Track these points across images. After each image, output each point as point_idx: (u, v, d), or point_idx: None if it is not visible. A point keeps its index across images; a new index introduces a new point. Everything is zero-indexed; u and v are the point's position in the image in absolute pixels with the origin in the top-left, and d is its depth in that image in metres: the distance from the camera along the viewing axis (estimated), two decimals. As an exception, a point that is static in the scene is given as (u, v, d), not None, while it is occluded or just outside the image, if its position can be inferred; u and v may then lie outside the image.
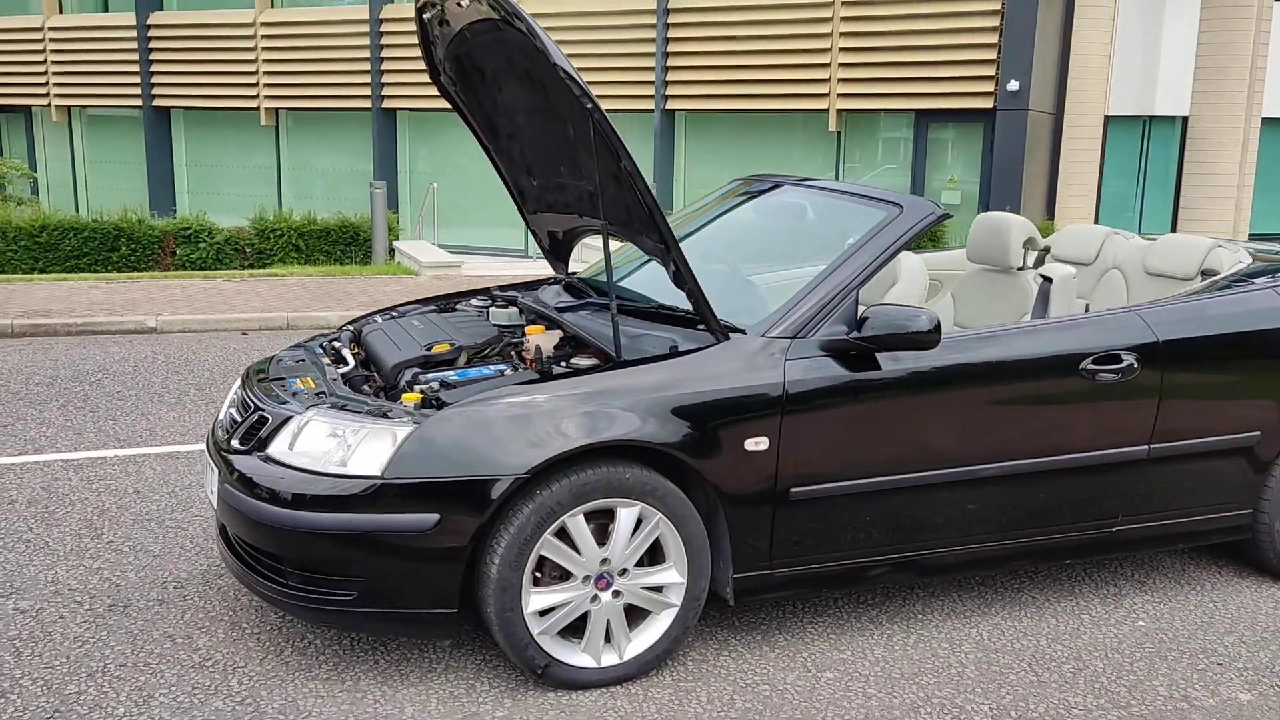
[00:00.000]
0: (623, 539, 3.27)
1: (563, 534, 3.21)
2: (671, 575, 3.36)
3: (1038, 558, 3.95)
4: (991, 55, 14.35)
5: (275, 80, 18.62)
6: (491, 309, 4.31)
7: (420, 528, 3.06)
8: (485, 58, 3.79)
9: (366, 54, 17.92)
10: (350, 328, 4.31)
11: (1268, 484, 4.18)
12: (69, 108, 20.98)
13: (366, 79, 17.98)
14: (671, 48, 16.19)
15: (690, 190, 17.00)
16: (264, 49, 18.61)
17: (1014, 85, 13.91)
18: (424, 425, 3.12)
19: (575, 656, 3.29)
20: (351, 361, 3.84)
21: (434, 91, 17.16)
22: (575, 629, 3.32)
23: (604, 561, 3.27)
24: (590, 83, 16.42)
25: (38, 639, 3.50)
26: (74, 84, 20.43)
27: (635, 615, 3.40)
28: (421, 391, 3.36)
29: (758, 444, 3.37)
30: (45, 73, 20.65)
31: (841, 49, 15.05)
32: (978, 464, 3.69)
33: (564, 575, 3.26)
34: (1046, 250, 4.98)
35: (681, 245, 4.34)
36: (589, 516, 3.24)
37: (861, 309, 3.52)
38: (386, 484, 3.06)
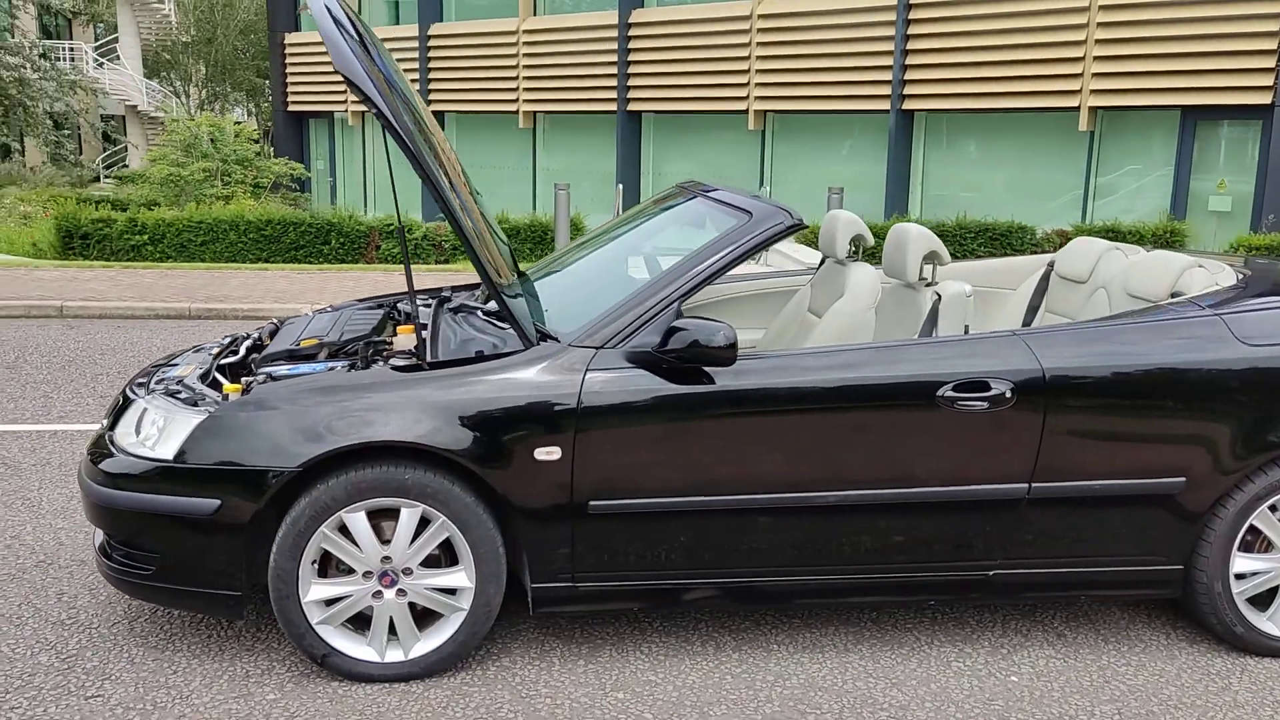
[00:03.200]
0: (403, 539, 3.43)
1: (345, 529, 3.41)
2: (461, 579, 3.49)
3: (896, 594, 3.71)
4: (1271, 45, 12.94)
5: (533, 84, 19.73)
6: (398, 306, 4.57)
7: (202, 511, 3.38)
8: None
9: (614, 58, 18.62)
10: (280, 319, 4.67)
11: (1205, 539, 3.70)
12: (362, 113, 23.17)
13: (613, 82, 18.70)
14: (911, 45, 15.71)
15: (928, 196, 16.42)
16: (524, 54, 19.76)
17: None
18: (214, 415, 3.43)
19: (359, 649, 3.50)
20: (241, 352, 4.20)
21: (676, 94, 17.62)
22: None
23: (385, 559, 3.44)
24: (820, 82, 16.28)
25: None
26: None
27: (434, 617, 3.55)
28: (246, 383, 3.67)
29: (549, 454, 3.42)
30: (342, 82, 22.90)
31: (1098, 40, 14.05)
32: (814, 491, 3.54)
33: (350, 569, 3.46)
34: (939, 263, 4.63)
35: (602, 246, 4.45)
36: (376, 515, 3.43)
37: (680, 322, 3.46)
38: (174, 468, 3.40)
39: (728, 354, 3.37)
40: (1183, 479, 3.63)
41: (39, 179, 21.46)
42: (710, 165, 18.53)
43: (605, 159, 19.44)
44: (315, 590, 3.43)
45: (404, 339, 4.02)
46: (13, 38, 25.34)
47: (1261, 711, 3.42)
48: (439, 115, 21.73)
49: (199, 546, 3.40)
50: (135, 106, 33.63)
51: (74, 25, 37.72)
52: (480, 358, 3.54)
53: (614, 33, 18.61)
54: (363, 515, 3.40)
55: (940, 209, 15.80)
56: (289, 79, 24.45)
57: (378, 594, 3.47)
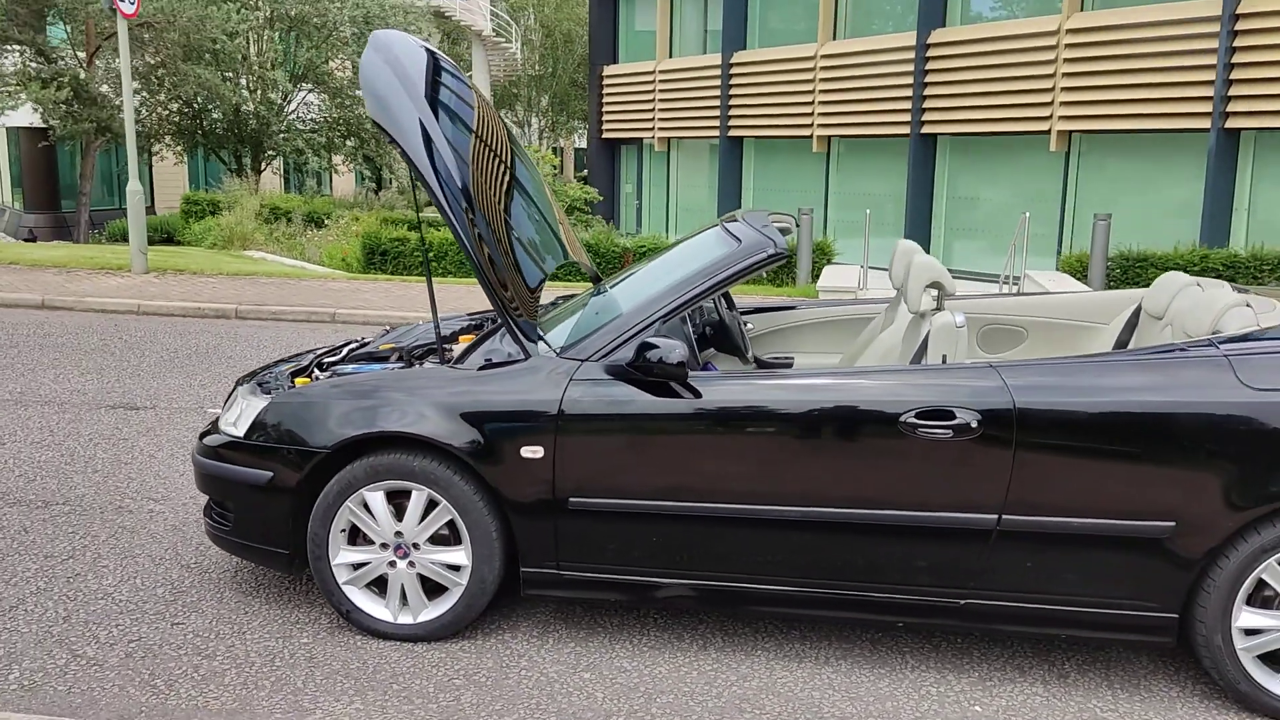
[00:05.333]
0: (412, 517, 4.04)
1: (367, 505, 4.07)
2: (459, 557, 4.05)
3: (861, 611, 3.86)
4: None
5: (828, 109, 20.05)
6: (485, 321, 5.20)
7: (260, 480, 4.15)
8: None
9: (910, 80, 18.59)
10: (392, 325, 5.42)
11: (1204, 589, 3.59)
12: (668, 139, 24.38)
13: (908, 105, 18.66)
14: (1238, 58, 14.62)
15: (1255, 222, 15.11)
16: (821, 79, 20.12)
17: None
18: (274, 402, 4.19)
19: (377, 609, 4.14)
20: (343, 353, 4.96)
21: (973, 115, 17.36)
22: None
23: (398, 534, 4.06)
24: (1132, 100, 15.44)
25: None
26: (671, 119, 23.76)
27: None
28: (311, 376, 4.42)
29: (534, 453, 3.92)
30: (653, 110, 24.27)
31: None
32: (780, 505, 3.79)
33: (370, 540, 4.11)
34: (947, 295, 4.58)
35: (643, 267, 4.87)
36: (396, 495, 4.06)
37: (651, 339, 3.85)
38: (244, 443, 4.19)
39: (680, 370, 3.75)
40: (1172, 523, 3.57)
41: (382, 203, 24.22)
42: (1008, 188, 18.03)
43: (898, 182, 19.39)
44: (343, 555, 4.11)
45: (460, 347, 4.64)
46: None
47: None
48: (736, 140, 22.47)
49: (258, 509, 4.17)
50: (483, 136, 37.01)
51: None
52: (487, 365, 4.09)
53: (911, 54, 18.56)
54: (381, 495, 4.04)
55: (1272, 238, 14.52)
56: (604, 107, 26.12)
57: (392, 564, 4.10)
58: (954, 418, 3.65)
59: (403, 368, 4.41)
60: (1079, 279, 12.69)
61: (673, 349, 3.75)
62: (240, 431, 4.24)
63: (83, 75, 21.23)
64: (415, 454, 4.01)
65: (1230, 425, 3.50)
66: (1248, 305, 3.90)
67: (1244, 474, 3.50)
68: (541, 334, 4.21)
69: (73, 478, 5.85)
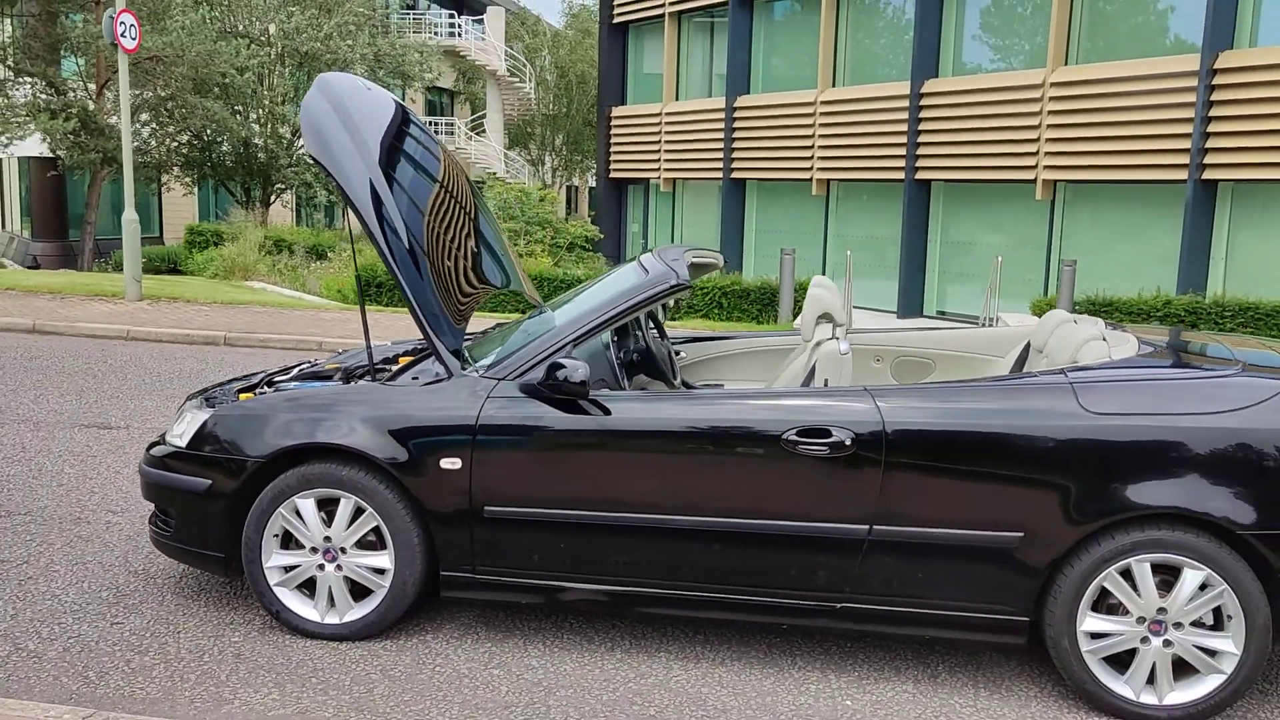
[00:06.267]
0: (340, 523, 4.38)
1: (299, 512, 4.41)
2: (383, 561, 4.38)
3: (750, 613, 4.17)
4: None
5: (826, 154, 20.51)
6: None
7: (199, 488, 4.49)
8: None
9: (905, 127, 19.05)
10: (344, 350, 5.79)
11: (1052, 595, 3.91)
12: (674, 179, 24.88)
13: (903, 151, 19.10)
14: (1215, 111, 15.03)
15: (1233, 271, 15.44)
16: (820, 124, 20.60)
17: None
18: (215, 414, 4.55)
19: (306, 610, 4.46)
20: (293, 371, 5.33)
21: (964, 163, 17.78)
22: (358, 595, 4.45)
23: (327, 539, 4.41)
24: (1112, 151, 15.84)
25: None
26: (676, 160, 24.27)
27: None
28: (258, 393, 4.78)
29: (452, 464, 4.26)
30: (659, 151, 24.79)
31: None
32: (676, 515, 4.13)
33: (301, 545, 4.45)
34: (839, 325, 4.93)
35: (573, 296, 5.23)
36: (324, 503, 4.41)
37: (560, 359, 4.20)
38: (186, 453, 4.55)
39: (582, 388, 4.10)
40: (1020, 534, 3.90)
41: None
42: (999, 234, 18.41)
43: (894, 226, 19.79)
44: (275, 558, 4.45)
45: (397, 368, 5.01)
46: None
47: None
48: (739, 182, 22.94)
49: (197, 515, 4.52)
50: (495, 173, 37.63)
51: (455, 103, 42.76)
52: (414, 382, 4.45)
53: (906, 102, 19.03)
54: (312, 502, 4.38)
55: (1249, 286, 14.85)
56: (612, 148, 26.66)
57: (321, 567, 4.44)
58: (830, 436, 3.99)
59: (341, 385, 4.77)
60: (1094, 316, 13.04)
61: (576, 369, 4.11)
62: (184, 442, 4.59)
63: (91, 106, 21.85)
64: (344, 464, 4.35)
65: (1071, 446, 3.84)
66: (1103, 339, 4.24)
67: (1083, 490, 3.83)
68: (468, 355, 4.56)
69: (37, 490, 6.21)
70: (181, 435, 4.63)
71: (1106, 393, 3.91)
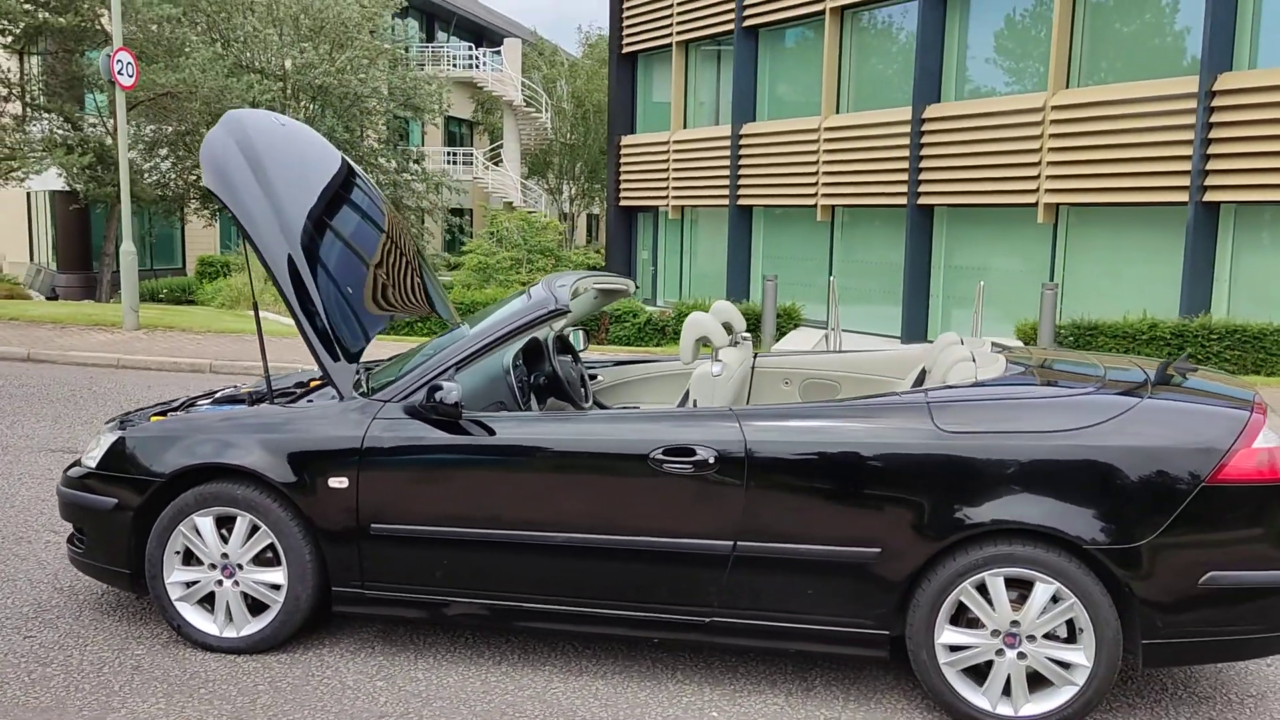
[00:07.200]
0: (236, 541, 4.56)
1: (197, 529, 4.60)
2: (278, 577, 4.55)
3: (625, 627, 4.29)
4: None
5: (831, 179, 20.65)
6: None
7: (105, 506, 4.69)
8: None
9: (907, 153, 19.16)
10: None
11: (912, 610, 4.01)
12: (682, 207, 25.09)
13: (905, 176, 19.21)
14: (1214, 134, 15.04)
15: (1237, 293, 15.38)
16: (824, 150, 20.76)
17: None
18: (123, 436, 4.75)
19: (206, 624, 4.63)
20: (217, 395, 5.52)
21: (966, 188, 17.86)
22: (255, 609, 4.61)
23: (225, 556, 4.58)
24: (1113, 174, 15.87)
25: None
26: (684, 187, 24.50)
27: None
28: (166, 413, 4.98)
29: (340, 483, 4.43)
30: (667, 178, 25.03)
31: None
32: (553, 531, 4.27)
33: (200, 561, 4.63)
34: (723, 346, 5.03)
35: (476, 320, 5.38)
36: (224, 520, 4.59)
37: (439, 382, 4.37)
38: (96, 473, 4.75)
39: (454, 410, 4.27)
40: (878, 550, 4.01)
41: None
42: (1002, 258, 18.44)
43: (899, 251, 19.87)
44: (176, 574, 4.63)
45: (301, 392, 5.19)
46: (394, 147, 29.88)
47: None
48: (746, 209, 23.12)
49: (105, 533, 4.71)
50: (511, 203, 38.07)
51: (474, 133, 43.30)
52: (309, 406, 4.64)
53: (907, 128, 19.15)
54: (210, 520, 4.57)
55: (1254, 308, 14.80)
56: (621, 176, 26.93)
57: (220, 582, 4.61)
58: (694, 454, 4.13)
59: (243, 408, 4.96)
60: (1029, 344, 13.04)
61: (450, 391, 4.28)
62: (94, 463, 4.79)
63: (109, 141, 22.40)
64: (240, 484, 4.54)
65: (924, 462, 3.95)
66: (972, 360, 4.35)
67: (936, 507, 3.94)
68: (362, 379, 4.74)
69: (-11, 510, 6.46)
70: (94, 456, 4.83)
71: (960, 411, 4.02)
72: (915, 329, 19.44)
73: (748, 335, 5.54)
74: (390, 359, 5.53)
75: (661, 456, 4.15)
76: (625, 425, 4.26)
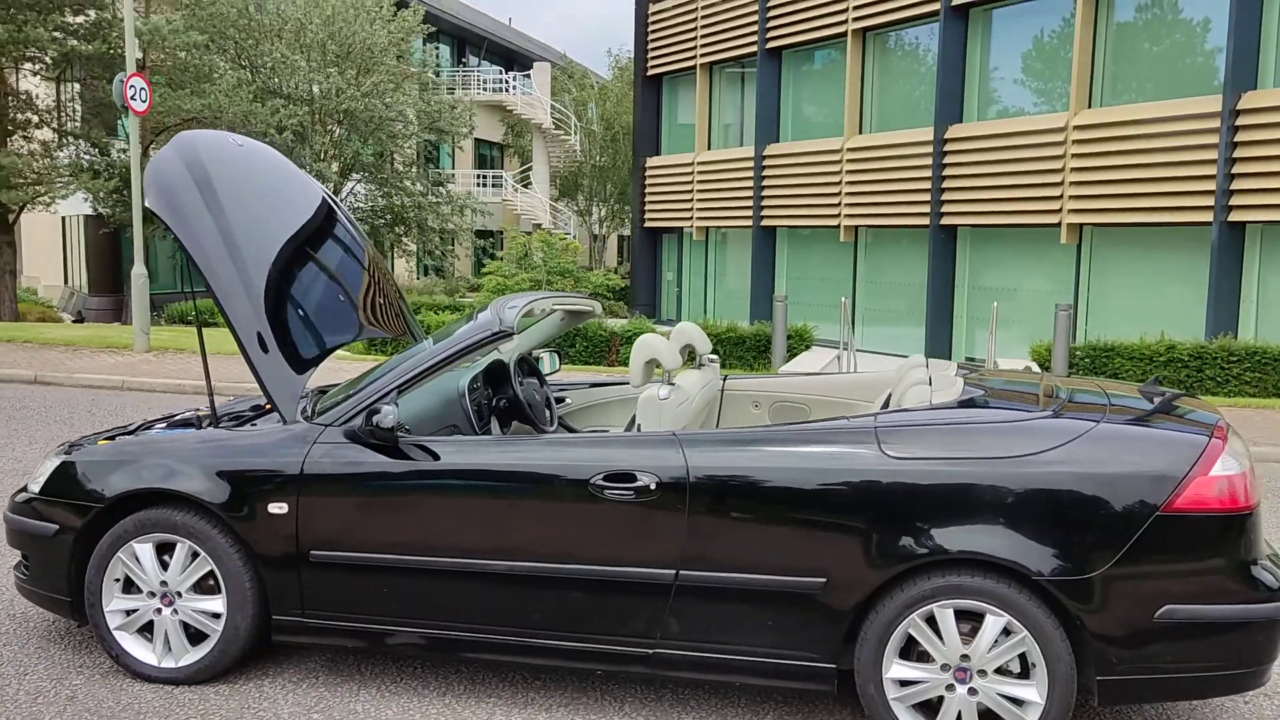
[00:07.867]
0: (175, 568, 4.46)
1: (136, 556, 4.50)
2: (218, 605, 4.44)
3: (566, 659, 4.14)
4: None
5: (854, 200, 20.47)
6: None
7: (46, 532, 4.61)
8: None
9: (929, 173, 18.95)
10: (236, 398, 5.90)
11: (860, 643, 3.83)
12: (706, 228, 24.98)
13: (928, 197, 18.99)
14: (1239, 153, 14.73)
15: (1265, 314, 15.02)
16: (848, 171, 20.59)
17: None
18: (65, 460, 4.67)
19: (144, 654, 4.53)
20: (178, 418, 5.43)
21: (988, 208, 17.63)
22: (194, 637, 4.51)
23: (164, 584, 4.48)
24: (1136, 194, 15.58)
25: None
26: (708, 208, 24.39)
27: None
28: (112, 438, 4.90)
29: (279, 509, 4.32)
30: (691, 200, 24.94)
31: None
32: (492, 559, 4.13)
33: (140, 589, 4.53)
34: (665, 372, 4.88)
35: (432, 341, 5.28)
36: (164, 547, 4.49)
37: (378, 406, 4.26)
38: (39, 498, 4.67)
39: (389, 434, 4.16)
40: (823, 580, 3.83)
41: (421, 287, 25.18)
42: (1026, 279, 18.16)
43: (921, 272, 19.63)
44: (116, 602, 4.53)
45: (250, 416, 5.09)
46: (419, 170, 30.01)
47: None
48: (770, 230, 22.96)
49: (47, 559, 4.63)
50: (540, 225, 38.15)
51: (504, 155, 43.46)
52: (250, 431, 4.54)
53: (930, 148, 18.95)
54: (150, 547, 4.47)
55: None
56: (646, 198, 26.87)
57: (159, 611, 4.51)
58: (635, 480, 3.98)
59: (188, 431, 4.87)
60: (1044, 366, 12.76)
61: (386, 415, 4.16)
62: (38, 487, 4.72)
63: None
64: (179, 509, 4.44)
65: (870, 490, 3.78)
66: (928, 384, 4.18)
67: (882, 535, 3.77)
68: (307, 404, 4.64)
69: (-44, 533, 6.41)
70: (39, 481, 4.76)
71: (908, 437, 3.85)
72: (939, 350, 19.16)
73: (714, 357, 5.40)
74: (345, 383, 5.42)
75: (602, 482, 4.01)
76: (566, 450, 4.12)
